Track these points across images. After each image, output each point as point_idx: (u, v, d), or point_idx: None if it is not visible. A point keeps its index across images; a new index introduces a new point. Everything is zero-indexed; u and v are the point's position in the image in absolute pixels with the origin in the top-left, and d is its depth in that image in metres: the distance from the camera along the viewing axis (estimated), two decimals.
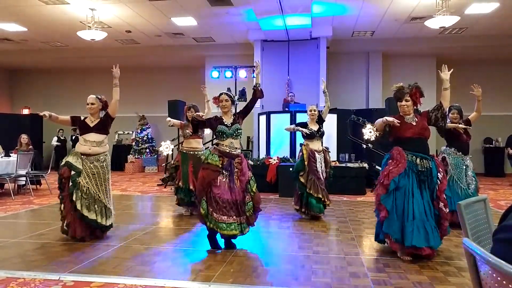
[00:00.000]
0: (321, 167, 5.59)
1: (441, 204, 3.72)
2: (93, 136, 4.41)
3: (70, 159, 4.33)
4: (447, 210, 3.75)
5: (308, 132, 5.57)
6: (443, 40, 11.34)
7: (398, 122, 3.72)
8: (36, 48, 12.77)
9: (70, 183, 4.25)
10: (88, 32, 9.22)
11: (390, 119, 3.75)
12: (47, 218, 5.58)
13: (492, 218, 1.79)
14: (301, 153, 5.63)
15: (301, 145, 5.79)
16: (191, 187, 5.55)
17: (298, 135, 6.25)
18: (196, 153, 5.79)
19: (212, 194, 3.87)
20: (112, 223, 4.55)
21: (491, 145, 12.76)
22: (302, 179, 5.47)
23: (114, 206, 4.70)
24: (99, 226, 4.36)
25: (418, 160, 3.73)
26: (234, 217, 3.89)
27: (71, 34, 10.56)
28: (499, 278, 1.15)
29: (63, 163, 4.38)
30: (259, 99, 4.32)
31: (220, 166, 3.92)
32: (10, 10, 9.23)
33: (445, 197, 3.77)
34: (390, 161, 3.78)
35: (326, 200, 5.58)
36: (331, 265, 3.58)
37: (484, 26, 10.21)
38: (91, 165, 4.35)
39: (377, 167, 8.68)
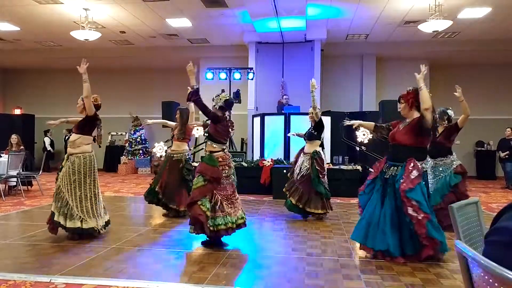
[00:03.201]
0: (300, 168, 5.64)
1: (409, 209, 3.54)
2: (71, 137, 4.51)
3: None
4: (420, 216, 3.50)
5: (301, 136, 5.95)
6: (436, 44, 11.41)
7: (348, 124, 4.44)
8: (29, 48, 12.66)
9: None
10: (82, 32, 9.17)
11: (356, 122, 4.55)
12: (38, 220, 5.51)
13: (484, 220, 1.80)
14: None
15: None
16: (157, 188, 5.66)
17: (293, 138, 6.52)
18: (181, 155, 5.87)
19: (219, 195, 4.13)
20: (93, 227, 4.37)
21: (482, 149, 12.87)
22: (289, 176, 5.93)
23: (93, 212, 4.41)
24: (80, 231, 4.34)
25: (386, 168, 3.86)
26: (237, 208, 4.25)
27: (65, 34, 10.48)
28: (491, 280, 1.15)
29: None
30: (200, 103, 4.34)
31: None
32: (2, 9, 9.15)
33: (414, 201, 3.53)
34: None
35: (305, 208, 5.53)
36: (324, 267, 3.59)
37: (476, 31, 10.31)
38: (65, 165, 4.42)
39: (370, 169, 8.71)
